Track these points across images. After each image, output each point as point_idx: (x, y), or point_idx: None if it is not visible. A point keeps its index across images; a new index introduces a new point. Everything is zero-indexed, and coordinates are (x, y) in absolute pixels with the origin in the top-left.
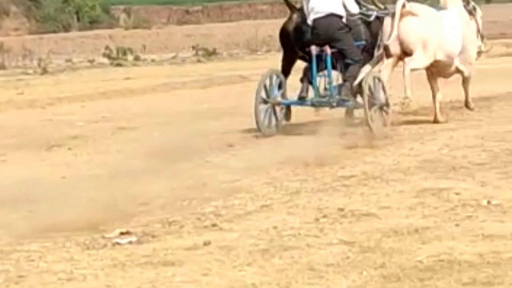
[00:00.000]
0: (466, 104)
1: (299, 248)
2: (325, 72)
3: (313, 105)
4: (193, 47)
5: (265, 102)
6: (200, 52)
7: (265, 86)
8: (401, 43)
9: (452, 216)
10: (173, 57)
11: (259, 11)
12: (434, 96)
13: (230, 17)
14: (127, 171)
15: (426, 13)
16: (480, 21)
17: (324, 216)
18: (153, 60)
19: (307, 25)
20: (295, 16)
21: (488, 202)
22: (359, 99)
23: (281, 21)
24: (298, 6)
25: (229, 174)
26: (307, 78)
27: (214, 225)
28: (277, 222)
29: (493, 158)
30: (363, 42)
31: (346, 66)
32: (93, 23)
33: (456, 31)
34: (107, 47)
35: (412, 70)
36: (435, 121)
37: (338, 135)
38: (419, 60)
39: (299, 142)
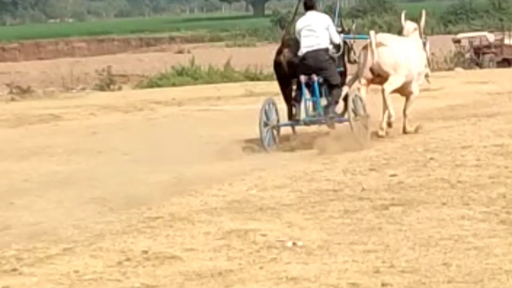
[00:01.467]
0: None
1: None
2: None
3: (305, 124)
4: (7, 85)
5: (266, 125)
6: (14, 90)
7: (265, 112)
8: (377, 70)
9: (257, 259)
10: None
11: (76, 49)
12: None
13: (47, 54)
14: None
15: (394, 42)
16: (428, 51)
17: (128, 259)
18: None
19: (297, 57)
20: (286, 50)
21: (294, 244)
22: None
23: (98, 59)
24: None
25: (33, 216)
26: (298, 102)
27: (14, 269)
28: (79, 266)
29: (301, 198)
30: (342, 69)
31: (330, 89)
32: None
33: (417, 56)
34: None
35: (391, 92)
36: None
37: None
38: (395, 83)
39: (108, 182)
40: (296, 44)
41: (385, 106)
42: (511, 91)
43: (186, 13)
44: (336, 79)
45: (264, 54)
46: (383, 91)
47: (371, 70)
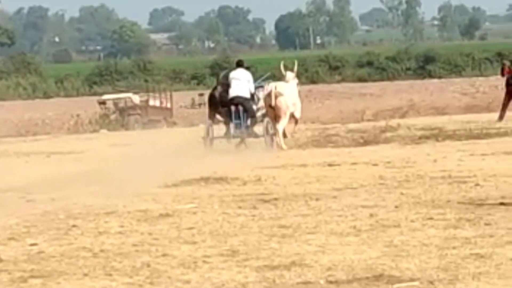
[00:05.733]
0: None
1: None
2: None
3: (234, 137)
4: None
5: (208, 136)
6: None
7: (207, 130)
8: (276, 112)
9: None
10: None
11: None
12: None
13: None
14: None
15: (286, 90)
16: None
17: None
18: None
19: (228, 97)
20: (219, 87)
21: None
22: (259, 133)
23: None
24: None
25: None
26: (228, 123)
27: None
28: None
29: None
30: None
31: (249, 117)
32: None
33: (297, 95)
34: None
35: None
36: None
37: None
38: (284, 122)
39: None
40: (227, 84)
41: (280, 137)
42: (156, 152)
43: None
44: (253, 111)
45: None
46: (277, 130)
47: (272, 109)
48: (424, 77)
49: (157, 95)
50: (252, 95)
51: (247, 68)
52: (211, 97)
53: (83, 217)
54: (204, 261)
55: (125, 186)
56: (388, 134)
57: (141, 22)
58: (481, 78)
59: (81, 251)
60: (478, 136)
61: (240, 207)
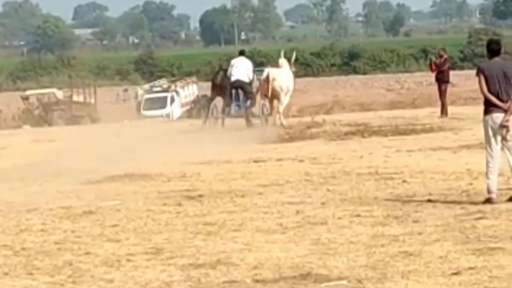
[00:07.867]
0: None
1: None
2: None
3: (234, 117)
4: None
5: (212, 115)
6: None
7: (212, 109)
8: (273, 94)
9: None
10: None
11: None
12: (277, 109)
13: None
14: None
15: (281, 75)
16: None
17: None
18: None
19: (229, 81)
20: (221, 73)
21: None
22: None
23: None
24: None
25: None
26: (229, 104)
27: None
28: None
29: None
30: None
31: (247, 99)
32: None
33: (290, 80)
34: None
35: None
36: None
37: None
38: (285, 102)
39: None
40: (226, 71)
41: (281, 119)
42: (79, 148)
43: None
44: (251, 93)
45: None
46: (278, 111)
47: (268, 92)
48: (349, 73)
49: (81, 90)
50: (251, 81)
51: (248, 57)
52: (213, 82)
53: (4, 214)
54: (128, 260)
55: (48, 182)
56: (314, 130)
57: (65, 18)
58: (406, 74)
59: (1, 249)
60: (404, 132)
61: (164, 204)
